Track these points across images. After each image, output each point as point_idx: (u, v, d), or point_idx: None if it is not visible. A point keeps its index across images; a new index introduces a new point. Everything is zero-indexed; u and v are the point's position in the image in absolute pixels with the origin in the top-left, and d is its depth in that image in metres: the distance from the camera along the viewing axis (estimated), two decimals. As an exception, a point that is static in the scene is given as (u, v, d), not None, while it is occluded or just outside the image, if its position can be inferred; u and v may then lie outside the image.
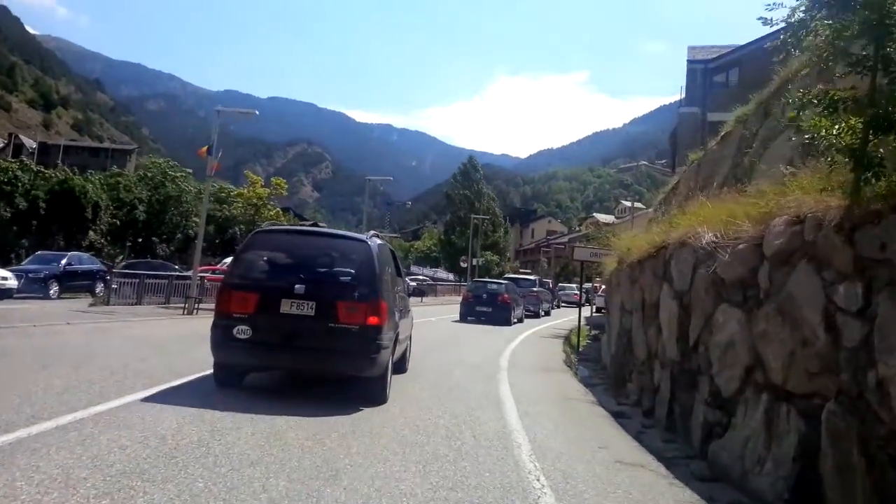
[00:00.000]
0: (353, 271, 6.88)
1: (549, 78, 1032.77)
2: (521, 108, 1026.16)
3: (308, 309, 6.58)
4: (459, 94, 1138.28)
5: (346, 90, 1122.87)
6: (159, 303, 20.01)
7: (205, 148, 20.05)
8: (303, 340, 6.60)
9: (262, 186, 23.61)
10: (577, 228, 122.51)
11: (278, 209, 25.94)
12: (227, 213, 37.34)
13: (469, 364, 11.08)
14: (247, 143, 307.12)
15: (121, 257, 35.50)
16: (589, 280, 20.80)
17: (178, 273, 23.47)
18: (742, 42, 27.14)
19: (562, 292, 43.08)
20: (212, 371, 7.02)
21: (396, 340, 7.44)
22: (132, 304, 18.89)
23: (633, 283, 8.57)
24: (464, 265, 55.02)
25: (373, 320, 6.59)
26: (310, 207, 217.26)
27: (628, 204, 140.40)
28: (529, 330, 21.14)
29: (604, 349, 13.09)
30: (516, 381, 9.53)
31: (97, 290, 22.17)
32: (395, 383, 7.59)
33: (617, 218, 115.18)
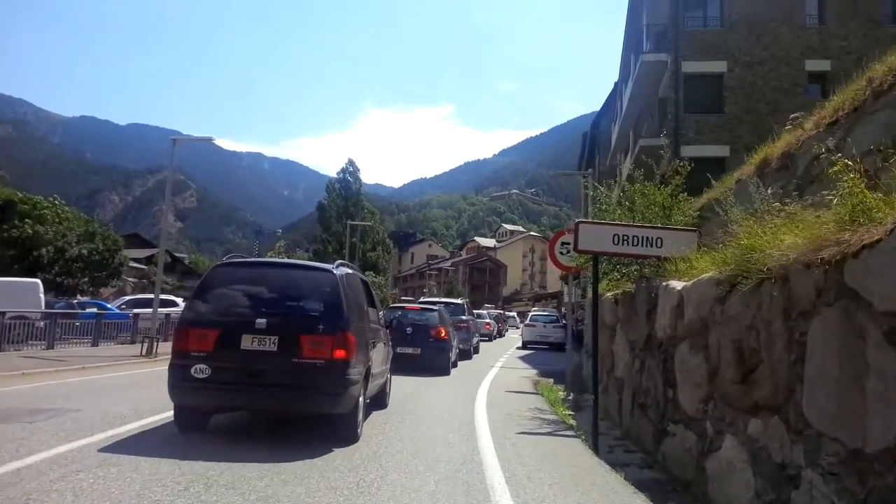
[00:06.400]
0: (318, 303, 6.59)
1: (418, 111, 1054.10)
2: (393, 138, 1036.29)
3: (270, 344, 6.24)
4: (331, 124, 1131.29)
5: (213, 118, 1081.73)
6: None
7: None
8: (266, 378, 6.24)
9: None
10: (459, 252, 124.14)
11: None
12: (29, 229, 30.19)
13: None
14: (103, 171, 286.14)
15: None
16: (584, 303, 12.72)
17: None
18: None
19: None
20: None
21: (368, 375, 7.14)
22: None
23: None
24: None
25: (339, 354, 6.33)
26: (172, 238, 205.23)
27: (511, 228, 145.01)
28: (479, 391, 11.72)
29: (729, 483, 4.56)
30: None
31: None
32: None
33: (498, 242, 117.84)
